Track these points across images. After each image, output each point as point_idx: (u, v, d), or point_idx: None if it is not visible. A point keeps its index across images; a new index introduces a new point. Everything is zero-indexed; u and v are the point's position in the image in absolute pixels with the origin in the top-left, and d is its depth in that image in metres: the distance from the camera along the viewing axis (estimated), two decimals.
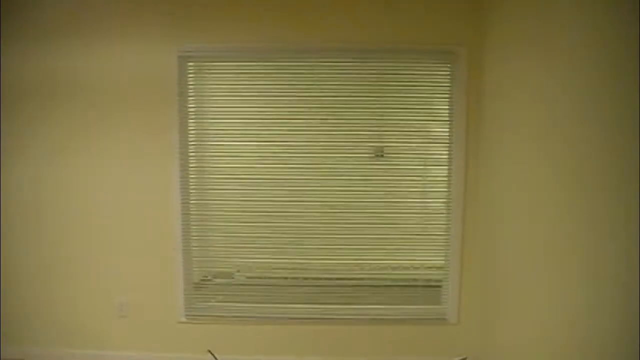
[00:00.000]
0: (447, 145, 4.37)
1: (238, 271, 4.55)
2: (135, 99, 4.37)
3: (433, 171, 4.42)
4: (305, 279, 4.52)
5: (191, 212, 4.46)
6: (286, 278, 4.53)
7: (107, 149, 4.42)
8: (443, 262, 4.47)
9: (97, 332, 4.61)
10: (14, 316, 4.66)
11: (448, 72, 4.32)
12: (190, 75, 4.37)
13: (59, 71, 4.40)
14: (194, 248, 4.49)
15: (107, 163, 4.44)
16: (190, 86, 4.38)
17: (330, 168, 4.40)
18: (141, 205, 4.45)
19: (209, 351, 4.43)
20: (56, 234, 4.55)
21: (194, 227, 4.48)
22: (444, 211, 4.43)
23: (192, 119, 4.40)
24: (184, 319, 4.53)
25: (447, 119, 4.35)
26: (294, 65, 4.35)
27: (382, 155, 4.41)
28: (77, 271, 4.57)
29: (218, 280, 4.57)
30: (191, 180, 4.44)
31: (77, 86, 4.40)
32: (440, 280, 4.51)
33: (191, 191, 4.45)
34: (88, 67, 4.37)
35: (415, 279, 4.53)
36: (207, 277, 4.57)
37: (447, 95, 4.34)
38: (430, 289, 4.54)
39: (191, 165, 4.43)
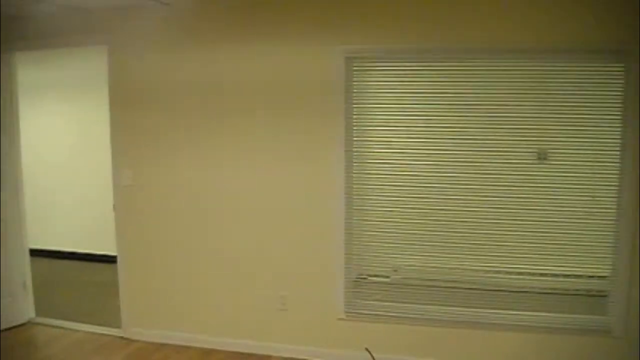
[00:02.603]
0: (619, 147, 4.16)
1: (395, 271, 4.57)
2: (301, 99, 4.52)
3: (601, 175, 4.23)
4: (460, 282, 4.48)
5: (354, 211, 4.54)
6: (440, 280, 4.50)
7: (274, 148, 4.61)
8: (610, 271, 4.27)
9: (258, 323, 4.81)
10: (180, 305, 4.96)
11: (621, 72, 4.11)
12: (355, 76, 4.45)
13: (226, 72, 4.66)
14: (354, 245, 4.57)
15: (274, 161, 4.63)
16: (355, 86, 4.45)
17: (489, 170, 4.33)
18: (305, 202, 4.60)
19: (367, 349, 4.47)
20: (224, 228, 4.80)
21: (356, 225, 4.55)
22: (612, 218, 4.23)
23: (355, 119, 4.47)
24: (343, 316, 4.61)
25: (618, 119, 4.15)
26: (455, 66, 4.33)
27: (545, 158, 4.28)
28: (242, 263, 4.79)
29: (375, 279, 4.62)
30: (354, 179, 4.52)
31: (242, 85, 4.64)
32: (603, 290, 4.32)
33: (354, 191, 4.52)
34: (254, 67, 4.59)
35: (576, 289, 4.36)
36: (362, 275, 4.63)
37: (619, 96, 4.14)
38: (593, 298, 4.34)
39: (355, 165, 4.51)
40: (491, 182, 4.34)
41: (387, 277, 4.61)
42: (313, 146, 4.53)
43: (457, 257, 4.44)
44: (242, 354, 4.80)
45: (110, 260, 7.43)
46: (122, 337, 5.17)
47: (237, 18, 4.58)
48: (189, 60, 4.72)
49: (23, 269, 5.59)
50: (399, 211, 4.49)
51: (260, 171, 4.66)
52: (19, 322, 5.55)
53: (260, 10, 4.52)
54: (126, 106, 4.93)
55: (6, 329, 5.42)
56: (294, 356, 4.72)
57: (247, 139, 4.66)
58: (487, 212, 4.36)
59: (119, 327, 5.25)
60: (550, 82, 4.20)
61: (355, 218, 4.55)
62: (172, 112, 4.81)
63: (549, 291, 4.38)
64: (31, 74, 7.13)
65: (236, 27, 4.59)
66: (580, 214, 4.26)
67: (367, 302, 4.62)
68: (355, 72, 4.45)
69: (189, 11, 4.66)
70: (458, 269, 4.46)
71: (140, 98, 4.89)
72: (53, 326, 5.52)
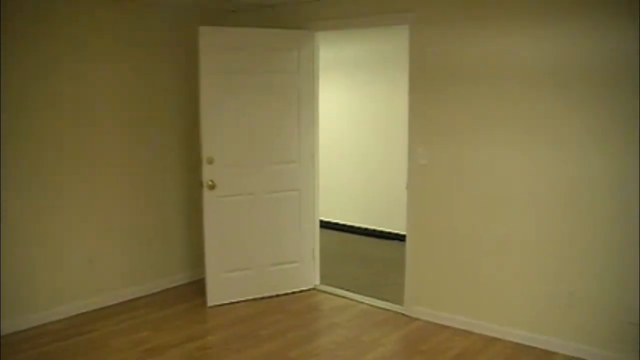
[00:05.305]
0: None
1: None
2: (606, 85, 4.16)
3: None
4: None
5: None
6: None
7: (571, 135, 4.33)
8: None
9: (542, 317, 4.60)
10: (463, 289, 4.95)
11: None
12: None
13: (528, 54, 4.45)
14: None
15: (569, 148, 4.35)
16: None
17: None
18: (603, 196, 4.26)
19: None
20: (511, 215, 4.66)
21: None
22: None
23: None
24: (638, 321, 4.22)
25: None
26: None
27: None
28: (527, 252, 4.62)
29: None
30: None
31: (544, 69, 4.39)
32: None
33: None
34: (559, 50, 4.33)
35: None
36: None
37: None
38: None
39: None
40: None
41: None
42: (618, 135, 4.17)
43: None
44: (525, 346, 4.62)
45: (392, 237, 7.73)
46: (402, 314, 5.27)
47: None
48: (491, 41, 4.60)
49: (313, 237, 5.95)
50: None
51: (554, 159, 4.42)
52: (305, 287, 5.93)
53: None
54: (425, 85, 4.97)
55: (293, 292, 5.83)
56: (579, 356, 4.43)
57: (543, 126, 4.45)
58: None
59: (400, 303, 5.36)
60: None
61: None
62: (471, 92, 4.74)
63: None
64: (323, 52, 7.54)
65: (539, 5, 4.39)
66: None
67: None
68: None
69: None
70: None
71: (440, 77, 4.88)
72: (335, 295, 5.81)
